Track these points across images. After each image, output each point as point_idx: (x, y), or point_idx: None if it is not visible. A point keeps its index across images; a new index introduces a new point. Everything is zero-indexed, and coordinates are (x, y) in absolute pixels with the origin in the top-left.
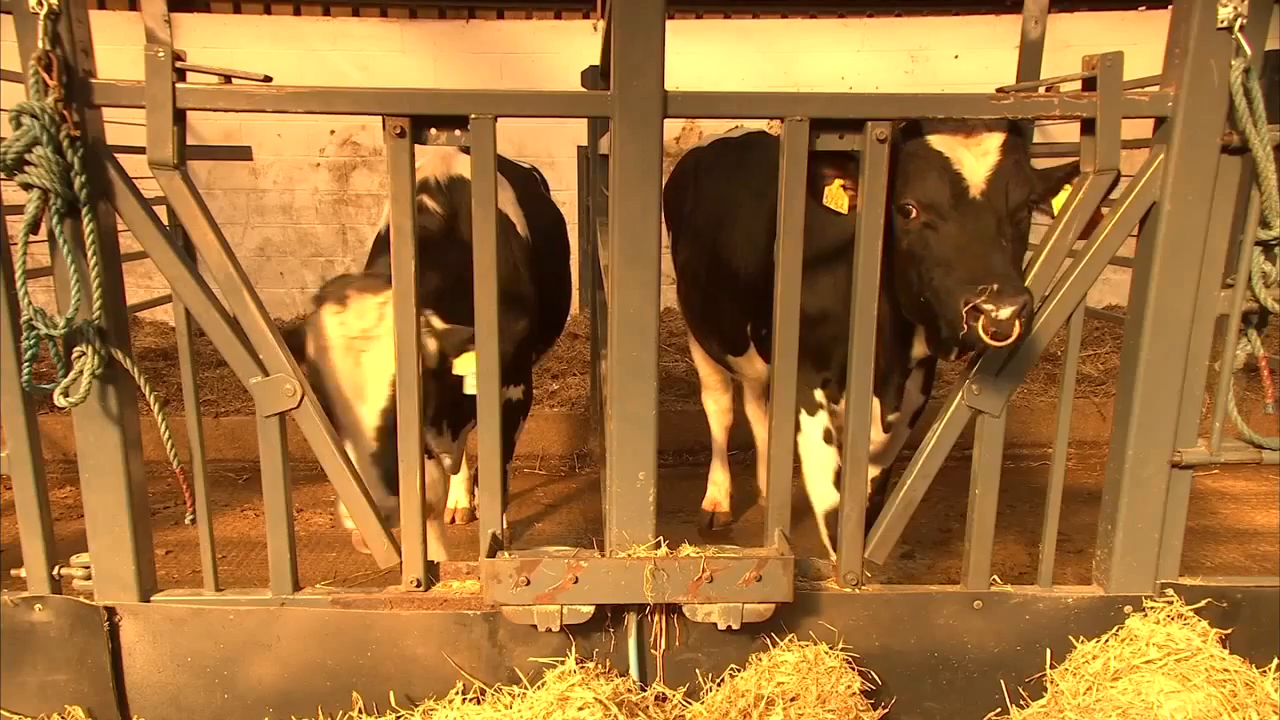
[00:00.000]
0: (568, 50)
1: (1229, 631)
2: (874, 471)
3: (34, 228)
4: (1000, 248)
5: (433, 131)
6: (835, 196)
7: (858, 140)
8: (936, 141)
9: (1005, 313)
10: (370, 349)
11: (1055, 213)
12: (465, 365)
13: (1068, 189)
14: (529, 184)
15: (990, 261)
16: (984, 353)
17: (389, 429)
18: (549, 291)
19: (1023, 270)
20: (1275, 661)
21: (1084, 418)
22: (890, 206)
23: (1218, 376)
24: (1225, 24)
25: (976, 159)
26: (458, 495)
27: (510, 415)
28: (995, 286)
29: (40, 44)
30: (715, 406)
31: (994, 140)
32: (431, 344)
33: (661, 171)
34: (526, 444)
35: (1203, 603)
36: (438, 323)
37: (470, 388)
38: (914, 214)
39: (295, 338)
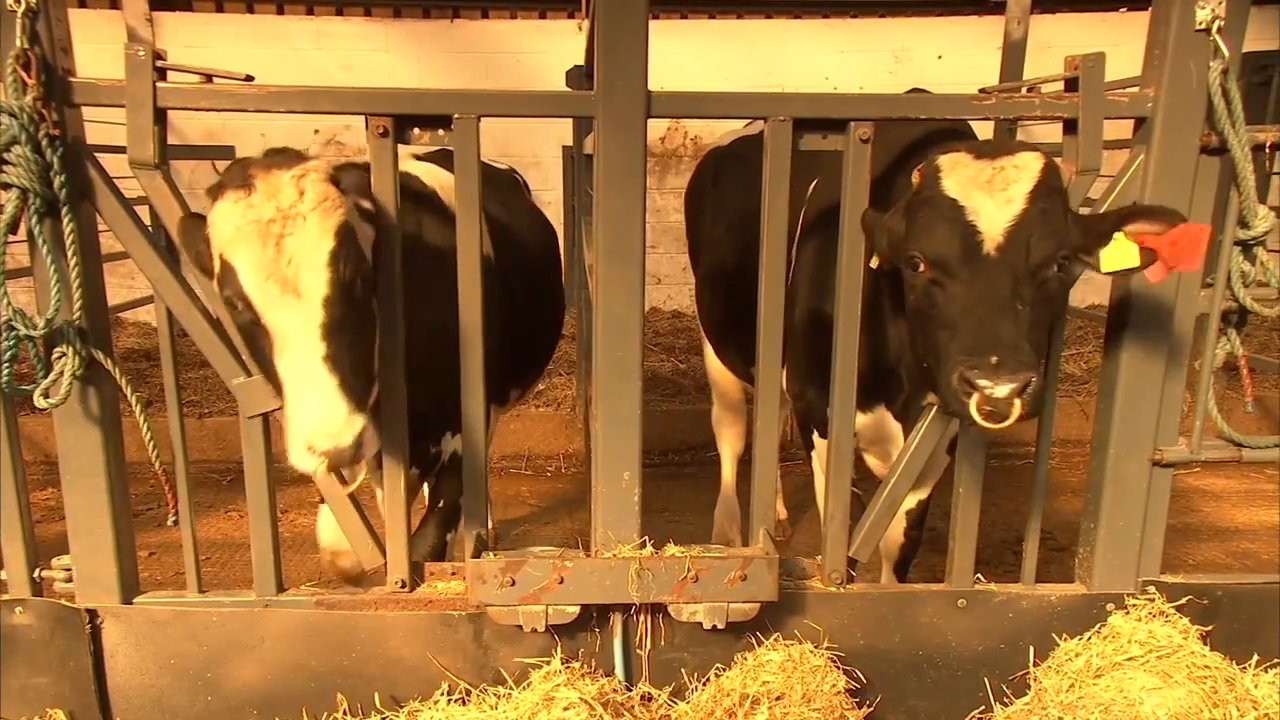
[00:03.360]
0: (553, 50)
1: (1210, 628)
2: (910, 502)
3: (13, 227)
4: (1012, 313)
5: (416, 131)
6: None
7: (840, 140)
8: (951, 186)
9: (1002, 391)
10: (293, 230)
11: (1103, 269)
12: None
13: (1120, 240)
14: (501, 190)
15: (995, 329)
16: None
17: (337, 325)
18: (525, 318)
19: (1043, 338)
20: (1255, 658)
21: (1067, 416)
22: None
23: (1198, 375)
24: (1203, 26)
25: (998, 207)
26: None
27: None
28: (994, 359)
29: (18, 42)
30: (728, 430)
31: (1021, 186)
32: (368, 230)
33: (645, 171)
34: (513, 444)
35: (1184, 600)
36: (369, 204)
37: None
38: (920, 268)
39: (197, 257)
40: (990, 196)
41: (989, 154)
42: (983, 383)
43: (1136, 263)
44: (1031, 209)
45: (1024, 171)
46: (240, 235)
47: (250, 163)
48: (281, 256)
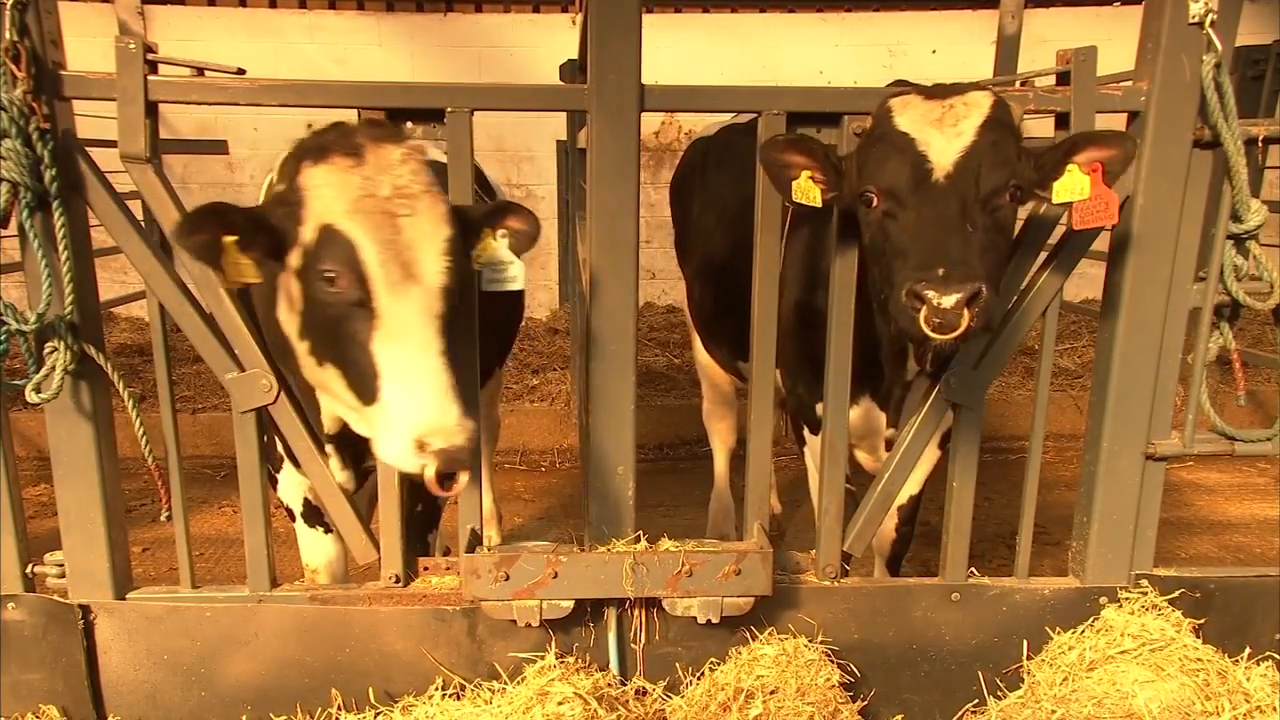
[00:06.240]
0: (546, 44)
1: (1202, 622)
2: (902, 497)
3: (3, 222)
4: (960, 233)
5: (409, 125)
6: (805, 190)
7: (835, 134)
8: (904, 122)
9: (949, 300)
10: (410, 212)
11: (1055, 200)
12: (493, 251)
13: (1073, 171)
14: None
15: (944, 246)
16: (942, 352)
17: (451, 318)
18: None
19: (997, 263)
20: (1247, 651)
21: (1061, 410)
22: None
23: (1191, 369)
24: (1196, 20)
25: (947, 140)
26: None
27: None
28: (940, 271)
29: (8, 34)
30: (719, 424)
31: (971, 121)
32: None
33: (639, 165)
34: (507, 439)
35: (1176, 593)
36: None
37: (494, 282)
38: (874, 203)
39: (277, 222)
40: (940, 131)
41: (939, 95)
42: (930, 294)
43: (1088, 193)
44: (981, 140)
45: (974, 108)
46: (359, 208)
47: (352, 130)
48: (400, 237)
